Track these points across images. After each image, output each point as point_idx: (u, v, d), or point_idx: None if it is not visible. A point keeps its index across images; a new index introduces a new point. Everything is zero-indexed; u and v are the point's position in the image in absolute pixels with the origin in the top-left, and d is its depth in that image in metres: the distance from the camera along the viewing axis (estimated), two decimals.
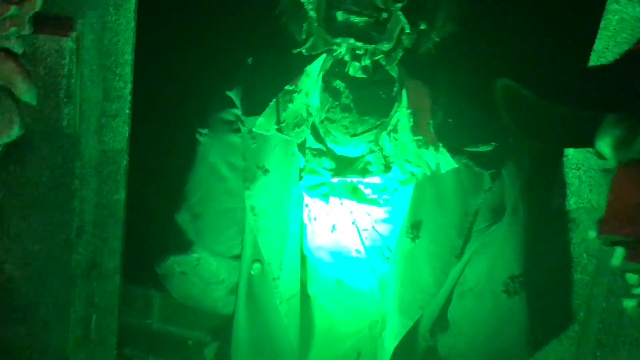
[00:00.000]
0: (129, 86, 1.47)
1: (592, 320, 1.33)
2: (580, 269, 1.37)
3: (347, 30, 1.12)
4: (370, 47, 1.15)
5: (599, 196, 1.33)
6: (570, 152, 1.33)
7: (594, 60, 1.27)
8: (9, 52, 1.30)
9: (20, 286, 1.53)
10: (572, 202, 1.35)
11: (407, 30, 1.15)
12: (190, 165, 1.38)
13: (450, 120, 1.23)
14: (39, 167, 1.42)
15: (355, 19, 1.11)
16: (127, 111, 1.48)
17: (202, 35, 1.87)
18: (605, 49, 1.26)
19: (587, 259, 1.36)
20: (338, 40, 1.14)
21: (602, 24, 1.25)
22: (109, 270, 1.58)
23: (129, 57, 1.45)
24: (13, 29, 1.28)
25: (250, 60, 1.33)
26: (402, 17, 1.13)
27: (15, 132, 1.36)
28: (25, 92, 1.33)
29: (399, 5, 1.13)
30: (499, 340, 1.31)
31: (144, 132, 1.58)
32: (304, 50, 1.20)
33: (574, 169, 1.33)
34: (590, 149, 1.31)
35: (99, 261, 1.58)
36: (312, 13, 1.16)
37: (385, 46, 1.15)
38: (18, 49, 1.30)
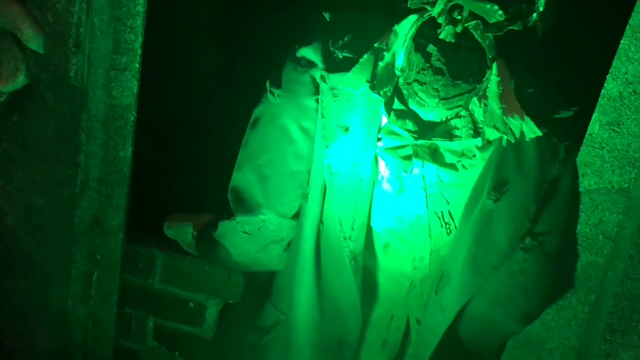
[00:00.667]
0: (140, 39, 1.42)
1: (605, 303, 1.31)
2: (596, 250, 1.34)
3: None
4: (474, 12, 1.13)
5: (621, 177, 1.29)
6: (594, 130, 1.28)
7: (629, 34, 1.22)
8: None
9: (21, 239, 1.50)
10: (592, 182, 1.31)
11: (541, 9, 1.14)
12: (255, 123, 1.34)
13: (530, 90, 1.25)
14: (44, 118, 1.38)
15: None
16: (137, 65, 1.43)
17: None
18: None
19: (604, 241, 1.33)
20: (486, 4, 1.11)
21: None
22: (112, 227, 1.55)
23: (140, 8, 1.39)
24: None
25: (327, 15, 1.30)
26: None
27: (20, 80, 1.31)
28: (32, 39, 1.28)
29: None
30: (502, 302, 1.31)
31: (153, 88, 1.53)
32: (409, 4, 1.17)
33: (598, 148, 1.29)
34: (617, 128, 1.27)
35: (103, 218, 1.55)
36: None
37: (502, 18, 1.13)
38: None
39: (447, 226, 1.31)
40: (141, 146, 1.52)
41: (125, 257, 1.61)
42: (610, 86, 1.25)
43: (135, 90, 1.45)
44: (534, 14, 1.15)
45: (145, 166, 1.58)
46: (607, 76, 1.25)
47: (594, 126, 1.28)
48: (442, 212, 1.30)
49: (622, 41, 1.22)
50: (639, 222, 1.21)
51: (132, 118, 1.47)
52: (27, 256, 1.52)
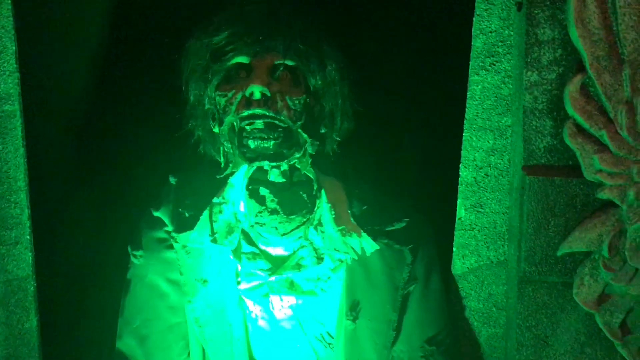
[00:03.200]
0: (26, 212, 1.45)
1: None
2: (493, 322, 1.42)
3: (262, 155, 1.24)
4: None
5: (496, 252, 1.40)
6: (462, 215, 1.39)
7: (467, 127, 1.36)
8: None
9: None
10: (473, 261, 1.41)
11: (309, 141, 1.27)
12: (126, 289, 1.38)
13: (365, 207, 1.36)
14: None
15: (265, 143, 1.23)
16: (28, 237, 1.46)
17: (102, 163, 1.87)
18: (475, 117, 1.35)
19: (497, 313, 1.41)
20: (255, 164, 1.26)
21: (469, 94, 1.35)
22: None
23: (22, 183, 1.44)
24: None
25: (172, 179, 1.40)
26: (303, 133, 1.26)
27: None
28: None
29: (299, 123, 1.25)
30: None
31: (49, 256, 1.55)
32: (227, 171, 1.30)
33: (469, 230, 1.40)
34: (480, 209, 1.39)
35: None
36: (226, 144, 1.27)
37: (297, 155, 1.27)
38: None
39: (331, 346, 1.36)
40: (46, 313, 1.52)
41: None
42: (465, 173, 1.38)
43: (30, 261, 1.47)
44: (310, 146, 1.27)
45: (53, 331, 1.57)
46: (460, 165, 1.38)
47: (460, 211, 1.40)
48: (320, 334, 1.35)
49: (463, 134, 1.36)
50: (517, 292, 1.31)
51: (32, 288, 1.48)
52: None
